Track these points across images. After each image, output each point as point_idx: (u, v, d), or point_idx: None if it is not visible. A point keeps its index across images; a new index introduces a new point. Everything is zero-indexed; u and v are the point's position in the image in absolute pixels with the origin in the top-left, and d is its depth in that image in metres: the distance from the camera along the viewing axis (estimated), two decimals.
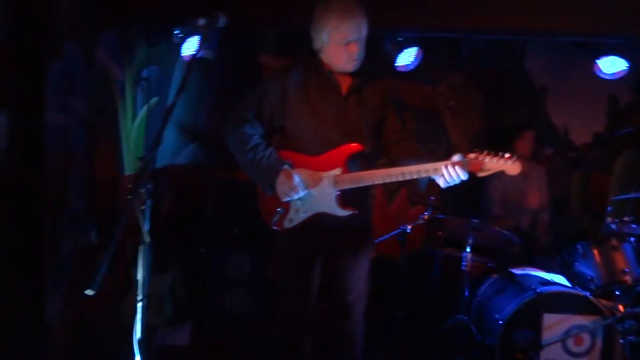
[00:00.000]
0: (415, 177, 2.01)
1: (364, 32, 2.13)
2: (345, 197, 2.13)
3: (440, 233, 3.63)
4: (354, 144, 2.12)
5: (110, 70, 3.32)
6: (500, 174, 3.80)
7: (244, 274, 3.48)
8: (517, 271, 3.17)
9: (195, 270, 3.61)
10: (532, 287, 2.84)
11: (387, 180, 2.04)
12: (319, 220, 2.18)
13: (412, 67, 3.94)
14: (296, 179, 2.11)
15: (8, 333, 2.31)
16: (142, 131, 3.80)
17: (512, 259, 3.47)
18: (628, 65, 3.73)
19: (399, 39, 3.87)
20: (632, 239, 3.12)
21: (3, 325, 2.31)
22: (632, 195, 3.10)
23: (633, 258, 3.03)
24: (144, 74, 3.78)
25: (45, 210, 2.51)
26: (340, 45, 2.10)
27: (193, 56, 2.67)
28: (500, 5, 3.56)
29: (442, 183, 2.00)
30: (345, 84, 2.19)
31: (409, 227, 3.38)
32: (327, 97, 2.18)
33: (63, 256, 2.68)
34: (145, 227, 1.44)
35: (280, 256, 2.31)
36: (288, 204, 2.18)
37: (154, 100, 3.84)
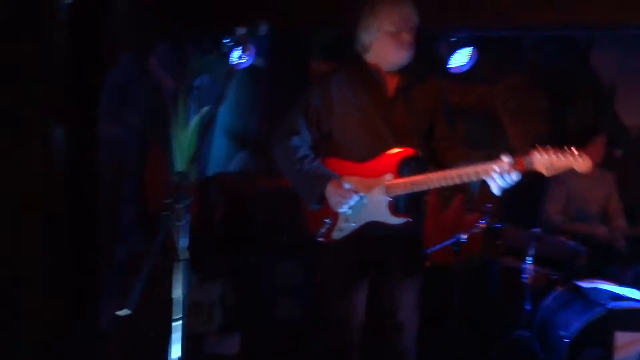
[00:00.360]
0: (474, 179, 1.89)
1: (414, 21, 2.07)
2: (398, 204, 2.04)
3: (498, 242, 3.43)
4: (406, 149, 2.03)
5: (163, 80, 3.37)
6: (564, 180, 3.67)
7: (294, 282, 3.44)
8: (585, 284, 2.95)
9: (245, 278, 3.60)
10: (602, 302, 2.63)
11: (443, 184, 1.93)
12: (367, 231, 2.09)
13: (466, 67, 3.77)
14: (346, 186, 2.04)
15: (63, 341, 2.37)
16: (194, 140, 3.85)
17: (579, 271, 3.23)
18: None
19: (452, 39, 3.72)
20: None
21: (58, 333, 2.37)
22: None
23: None
24: (196, 83, 3.83)
25: (98, 221, 2.57)
26: (391, 35, 2.04)
27: (235, 65, 2.63)
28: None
29: (495, 188, 1.85)
30: (392, 85, 2.11)
31: (465, 235, 3.22)
32: (374, 99, 2.11)
33: (116, 265, 2.73)
34: (184, 244, 1.40)
35: (327, 270, 2.22)
36: (337, 213, 2.10)
37: (205, 109, 3.89)
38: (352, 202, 2.03)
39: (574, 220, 3.67)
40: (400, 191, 2.00)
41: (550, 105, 4.17)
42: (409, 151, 2.02)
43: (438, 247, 3.34)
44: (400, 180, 2.00)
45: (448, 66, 3.75)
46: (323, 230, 2.15)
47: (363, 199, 2.05)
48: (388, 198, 2.01)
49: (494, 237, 3.43)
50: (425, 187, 1.97)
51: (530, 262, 2.96)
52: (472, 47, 3.69)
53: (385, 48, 2.07)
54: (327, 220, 2.13)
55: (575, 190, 3.71)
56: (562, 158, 1.73)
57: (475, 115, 4.23)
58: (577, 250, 3.00)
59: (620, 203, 3.71)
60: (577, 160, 1.72)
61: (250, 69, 3.87)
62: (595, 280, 3.00)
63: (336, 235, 2.12)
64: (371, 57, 2.13)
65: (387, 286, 2.14)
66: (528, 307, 2.98)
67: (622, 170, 3.87)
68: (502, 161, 1.81)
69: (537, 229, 2.96)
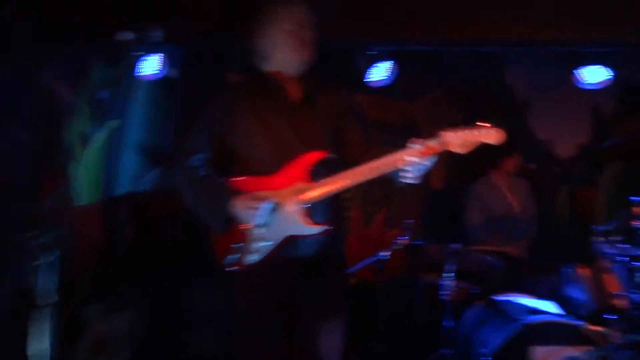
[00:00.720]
0: (388, 170, 1.82)
1: (311, 21, 2.01)
2: (315, 213, 1.90)
3: (421, 259, 3.40)
4: (315, 152, 1.92)
5: (59, 92, 3.08)
6: (481, 193, 3.72)
7: (214, 310, 3.22)
8: (503, 298, 2.95)
9: (159, 307, 3.34)
10: (519, 317, 2.61)
11: (358, 181, 1.85)
12: (285, 253, 1.94)
13: (387, 82, 3.75)
14: (254, 196, 1.89)
15: None
16: (100, 156, 3.55)
17: (499, 284, 3.24)
18: (612, 75, 3.58)
19: (372, 52, 3.70)
20: (623, 258, 2.92)
21: None
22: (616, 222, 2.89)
23: (626, 280, 2.82)
24: (101, 95, 3.54)
25: None
26: (292, 34, 1.97)
27: (142, 76, 2.42)
28: (477, 17, 3.42)
29: (411, 177, 1.79)
30: (296, 91, 2.02)
31: (386, 253, 3.15)
32: (277, 108, 2.00)
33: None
34: (48, 285, 1.17)
35: (241, 301, 2.03)
36: (248, 234, 1.94)
37: (113, 122, 3.61)
38: (265, 211, 1.88)
39: (494, 231, 3.73)
40: (315, 197, 1.88)
41: (470, 120, 4.23)
42: (319, 154, 1.91)
43: (359, 266, 3.25)
44: (311, 185, 1.89)
45: (367, 80, 3.73)
46: (234, 257, 1.98)
47: (276, 211, 1.91)
48: (302, 206, 1.89)
49: (415, 253, 3.39)
50: (340, 188, 1.87)
51: (450, 277, 2.93)
52: (391, 62, 3.68)
53: (288, 48, 1.98)
54: (237, 246, 1.97)
55: (492, 201, 3.78)
56: (475, 132, 1.71)
57: (396, 130, 4.22)
58: (493, 265, 3.00)
59: (534, 210, 3.81)
60: (489, 133, 1.70)
61: (164, 80, 3.65)
62: (512, 294, 3.02)
63: (251, 259, 1.95)
64: (272, 65, 2.04)
65: (309, 324, 1.99)
66: (449, 324, 2.94)
67: (535, 183, 3.99)
68: (415, 147, 1.76)
69: (455, 245, 2.93)
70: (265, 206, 1.89)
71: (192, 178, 1.99)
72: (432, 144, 1.76)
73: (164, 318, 3.28)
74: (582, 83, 3.72)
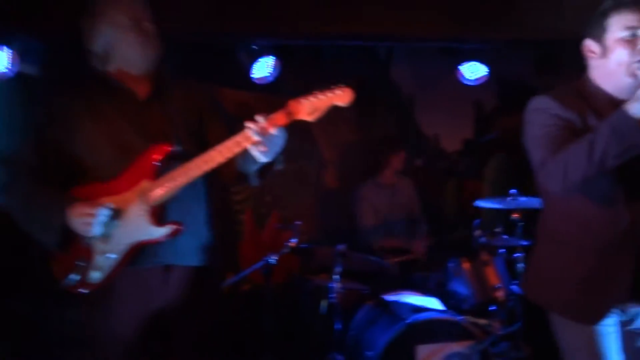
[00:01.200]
0: (236, 151, 1.66)
1: (149, 12, 1.84)
2: (163, 212, 1.72)
3: (311, 261, 3.29)
4: (160, 146, 1.74)
5: None
6: (367, 194, 3.70)
7: (79, 334, 2.88)
8: (391, 297, 2.91)
9: (14, 330, 2.95)
10: (403, 316, 2.57)
11: (206, 169, 1.68)
12: (138, 268, 1.74)
13: (271, 78, 3.59)
14: (89, 204, 1.68)
15: None
16: None
17: (388, 283, 3.21)
18: (488, 71, 3.68)
19: (254, 47, 3.52)
20: (503, 250, 3.00)
21: None
22: (495, 205, 2.95)
23: (505, 272, 2.89)
24: None
25: None
26: (131, 28, 1.79)
27: None
28: (359, 11, 3.36)
29: (263, 154, 1.64)
30: (144, 88, 1.84)
31: (274, 257, 3.01)
32: (120, 108, 1.81)
33: None
34: None
35: (95, 326, 1.81)
36: (90, 249, 1.71)
37: None
38: (102, 219, 1.67)
39: (386, 231, 3.72)
40: (162, 195, 1.70)
41: (359, 116, 4.20)
42: (163, 149, 1.73)
43: (245, 272, 3.08)
44: (157, 182, 1.71)
45: (251, 76, 3.56)
46: (74, 277, 1.73)
47: (117, 217, 1.70)
48: (148, 207, 1.70)
49: (304, 256, 3.28)
50: (187, 179, 1.70)
51: (337, 279, 2.83)
52: (274, 57, 3.54)
53: (129, 44, 1.79)
54: (79, 263, 1.72)
55: (380, 201, 3.76)
56: (323, 97, 1.65)
57: (286, 128, 4.08)
58: (380, 265, 2.95)
59: (420, 208, 3.84)
60: (338, 95, 1.64)
61: (18, 78, 3.24)
62: (401, 292, 2.99)
63: (93, 277, 1.72)
64: (114, 65, 1.82)
65: (177, 343, 1.82)
66: (338, 327, 2.85)
67: (422, 178, 4.03)
68: (260, 120, 1.62)
69: (341, 246, 2.84)
70: (101, 213, 1.67)
71: (19, 192, 1.75)
72: (278, 115, 1.65)
73: (20, 343, 2.90)
74: (464, 79, 3.81)
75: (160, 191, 1.71)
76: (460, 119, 4.26)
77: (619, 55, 1.56)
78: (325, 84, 4.39)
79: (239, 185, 3.26)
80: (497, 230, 2.97)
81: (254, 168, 1.76)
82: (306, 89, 4.58)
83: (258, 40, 3.48)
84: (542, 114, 1.62)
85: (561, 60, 3.80)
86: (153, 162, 1.73)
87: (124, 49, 1.79)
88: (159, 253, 1.75)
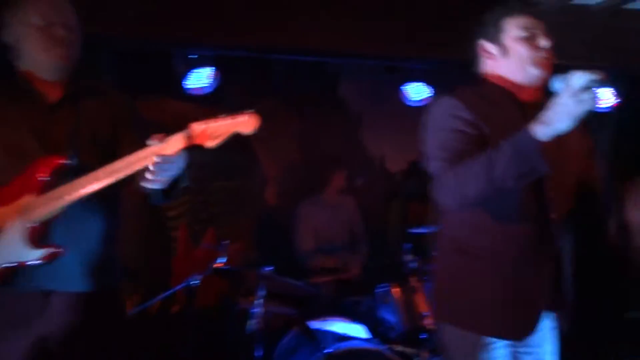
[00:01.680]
0: (129, 172, 1.53)
1: (70, 17, 1.72)
2: (47, 232, 1.54)
3: (240, 284, 3.12)
4: (50, 158, 1.57)
5: None
6: (309, 215, 3.57)
7: None
8: (316, 324, 2.76)
9: None
10: (323, 346, 2.43)
11: (94, 187, 1.52)
12: (15, 292, 1.56)
13: (209, 89, 3.45)
14: None
15: None
16: None
17: (320, 307, 3.07)
18: (432, 92, 3.64)
19: (192, 56, 3.38)
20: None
21: None
22: (424, 230, 2.86)
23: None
24: None
25: None
26: (40, 30, 1.66)
27: None
28: (306, 26, 3.27)
29: (158, 179, 1.52)
30: (55, 93, 1.70)
31: (196, 279, 2.83)
32: (24, 111, 1.66)
33: None
34: None
35: None
36: None
37: None
38: None
39: (326, 252, 3.60)
40: (44, 212, 1.53)
41: (302, 133, 4.09)
42: (53, 162, 1.57)
43: (165, 294, 2.89)
44: (42, 197, 1.54)
45: (186, 86, 3.41)
46: None
47: None
48: (27, 225, 1.52)
49: (231, 278, 3.11)
50: (75, 197, 1.53)
51: (260, 304, 2.67)
52: (213, 68, 3.40)
53: (34, 47, 1.67)
54: None
55: (320, 220, 3.64)
56: (226, 122, 1.51)
57: (225, 142, 3.93)
58: (306, 290, 2.80)
59: (362, 228, 3.74)
60: (243, 122, 1.52)
61: None
62: (330, 318, 2.85)
63: None
64: (24, 64, 1.71)
65: None
66: (259, 354, 2.68)
67: (365, 199, 3.93)
68: (154, 143, 1.49)
69: (267, 268, 2.69)
70: None
71: None
72: (177, 137, 1.50)
73: None
74: (408, 100, 3.76)
75: (43, 208, 1.53)
76: (407, 139, 4.18)
77: (521, 52, 1.58)
78: (270, 98, 4.24)
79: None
80: (431, 254, 2.87)
81: (155, 187, 1.61)
82: (252, 103, 4.44)
83: (196, 49, 3.34)
84: (445, 117, 1.53)
85: None
86: (42, 176, 1.56)
87: (30, 51, 1.67)
88: (36, 277, 1.57)
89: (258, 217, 4.02)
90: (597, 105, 1.31)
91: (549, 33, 1.60)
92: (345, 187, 3.74)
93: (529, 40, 1.59)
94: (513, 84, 1.61)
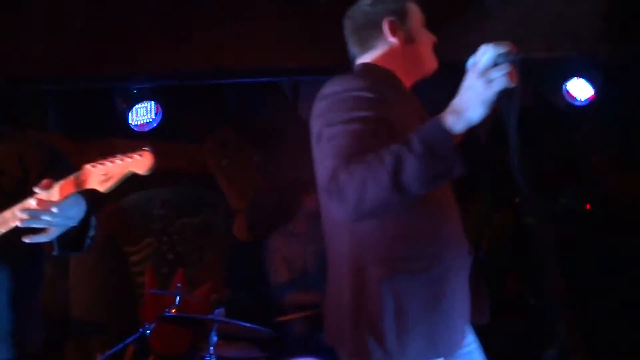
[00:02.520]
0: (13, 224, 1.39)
1: None
2: None
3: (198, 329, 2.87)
4: None
5: None
6: (278, 246, 3.33)
7: None
8: None
9: None
10: None
11: None
12: None
13: (154, 124, 3.26)
14: None
15: None
16: None
17: (291, 345, 2.81)
18: None
19: (134, 90, 3.20)
20: None
21: None
22: None
23: None
24: None
25: None
26: None
27: None
28: (248, 45, 3.09)
29: (47, 234, 1.40)
30: None
31: (148, 328, 2.60)
32: None
33: None
34: None
35: None
36: None
37: None
38: None
39: (299, 282, 3.34)
40: None
41: (268, 158, 3.87)
42: None
43: (119, 346, 2.64)
44: None
45: (131, 124, 3.22)
46: None
47: None
48: None
49: (187, 325, 2.86)
50: None
51: (211, 352, 2.42)
52: (152, 101, 3.21)
53: None
54: None
55: (292, 251, 3.39)
56: (117, 163, 1.38)
57: (186, 178, 3.74)
58: (260, 331, 2.53)
59: None
60: (136, 161, 1.37)
61: None
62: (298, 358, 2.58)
63: None
64: None
65: None
66: None
67: None
68: (43, 191, 1.36)
69: (219, 310, 2.45)
70: None
71: None
72: (65, 183, 1.36)
73: None
74: None
75: None
76: None
77: (426, 40, 1.47)
78: (225, 125, 3.94)
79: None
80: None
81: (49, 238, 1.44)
82: (209, 131, 4.20)
83: (133, 83, 3.17)
84: (345, 100, 1.22)
85: None
86: None
87: None
88: None
89: (228, 253, 3.78)
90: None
91: None
92: (317, 212, 3.49)
93: (428, 29, 1.48)
94: (407, 75, 1.42)
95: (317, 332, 2.98)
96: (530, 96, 3.83)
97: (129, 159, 1.37)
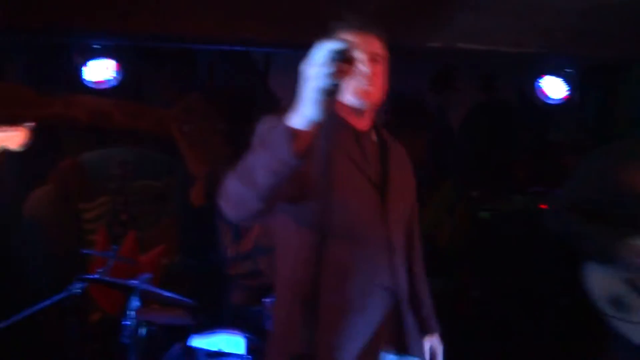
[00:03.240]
0: None
1: None
2: None
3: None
4: None
5: None
6: None
7: None
8: (198, 337, 2.49)
9: None
10: None
11: None
12: None
13: (114, 82, 3.20)
14: None
15: None
16: None
17: (205, 321, 2.80)
18: None
19: (95, 46, 3.12)
20: None
21: None
22: None
23: None
24: None
25: None
26: None
27: None
28: (226, 12, 3.00)
29: None
30: None
31: (78, 288, 2.59)
32: None
33: None
34: None
35: None
36: None
37: None
38: None
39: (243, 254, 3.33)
40: None
41: (233, 127, 3.82)
42: None
43: (45, 303, 2.65)
44: None
45: (84, 79, 3.15)
46: None
47: None
48: None
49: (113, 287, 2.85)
50: None
51: (133, 316, 2.41)
52: (114, 60, 3.14)
53: None
54: None
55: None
56: None
57: (148, 141, 3.70)
58: (182, 302, 2.52)
59: None
60: (10, 136, 1.40)
61: None
62: (215, 331, 2.58)
63: None
64: None
65: None
66: None
67: None
68: None
69: (134, 282, 2.43)
70: None
71: None
72: None
73: None
74: None
75: None
76: None
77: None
78: (195, 91, 3.87)
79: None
80: None
81: None
82: (178, 97, 4.11)
83: (96, 39, 3.09)
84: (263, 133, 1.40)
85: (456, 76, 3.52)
86: None
87: None
88: None
89: (184, 218, 3.77)
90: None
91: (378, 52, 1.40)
92: None
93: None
94: (346, 110, 1.45)
95: (252, 303, 2.98)
96: (507, 92, 3.74)
97: (2, 133, 1.35)
